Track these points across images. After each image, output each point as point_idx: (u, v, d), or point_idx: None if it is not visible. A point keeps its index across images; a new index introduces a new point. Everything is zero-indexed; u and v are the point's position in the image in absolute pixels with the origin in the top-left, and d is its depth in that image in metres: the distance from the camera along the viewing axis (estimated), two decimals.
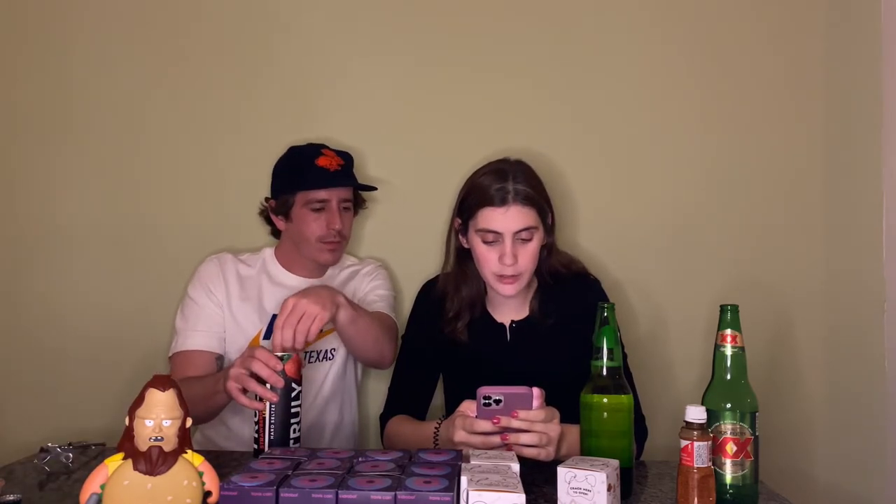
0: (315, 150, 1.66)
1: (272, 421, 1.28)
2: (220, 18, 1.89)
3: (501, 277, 1.44)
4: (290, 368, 1.29)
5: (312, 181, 1.62)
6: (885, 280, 1.62)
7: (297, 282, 1.69)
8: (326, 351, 1.67)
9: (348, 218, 1.69)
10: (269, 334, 1.62)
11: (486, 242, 1.43)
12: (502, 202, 1.40)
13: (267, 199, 1.72)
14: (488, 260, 1.44)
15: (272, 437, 1.28)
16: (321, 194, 1.62)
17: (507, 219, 1.40)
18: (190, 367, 1.58)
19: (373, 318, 1.53)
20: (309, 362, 1.63)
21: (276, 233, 1.75)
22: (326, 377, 1.66)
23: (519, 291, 1.47)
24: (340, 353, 1.68)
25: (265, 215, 1.74)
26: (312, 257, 1.67)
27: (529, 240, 1.43)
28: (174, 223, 1.88)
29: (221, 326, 1.64)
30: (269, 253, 1.74)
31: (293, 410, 1.29)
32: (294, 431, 1.30)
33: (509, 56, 1.86)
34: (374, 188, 1.77)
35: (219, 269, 1.68)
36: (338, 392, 1.69)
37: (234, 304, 1.65)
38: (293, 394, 1.30)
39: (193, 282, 1.68)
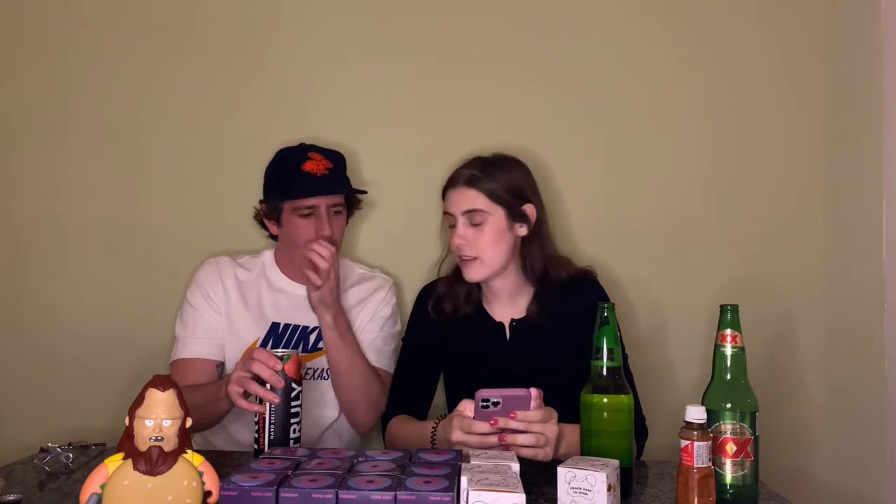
0: (302, 153, 1.60)
1: (272, 421, 1.28)
2: (216, 19, 1.88)
3: (461, 259, 1.50)
4: (290, 368, 1.29)
5: (298, 189, 1.57)
6: (885, 280, 1.61)
7: (297, 289, 1.66)
8: (324, 370, 1.63)
9: (339, 222, 1.63)
10: (265, 342, 1.61)
11: (450, 226, 1.51)
12: (453, 184, 1.50)
13: (260, 202, 1.69)
14: (451, 242, 1.51)
15: (272, 437, 1.28)
16: (309, 201, 1.58)
17: (453, 199, 1.50)
18: (190, 375, 1.56)
19: (366, 362, 1.57)
20: (306, 379, 1.61)
21: (273, 235, 1.71)
22: (324, 396, 1.63)
23: (480, 279, 1.51)
24: None
25: (259, 219, 1.71)
26: (305, 264, 1.60)
27: (480, 223, 1.47)
28: (174, 223, 1.87)
29: (221, 332, 1.62)
30: (268, 256, 1.71)
31: (293, 410, 1.29)
32: (294, 431, 1.29)
33: (509, 54, 1.86)
34: (364, 192, 1.71)
35: (217, 273, 1.65)
36: (340, 413, 1.66)
37: (232, 309, 1.63)
38: (293, 393, 1.29)
39: (192, 287, 1.65)
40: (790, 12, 1.84)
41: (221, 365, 1.61)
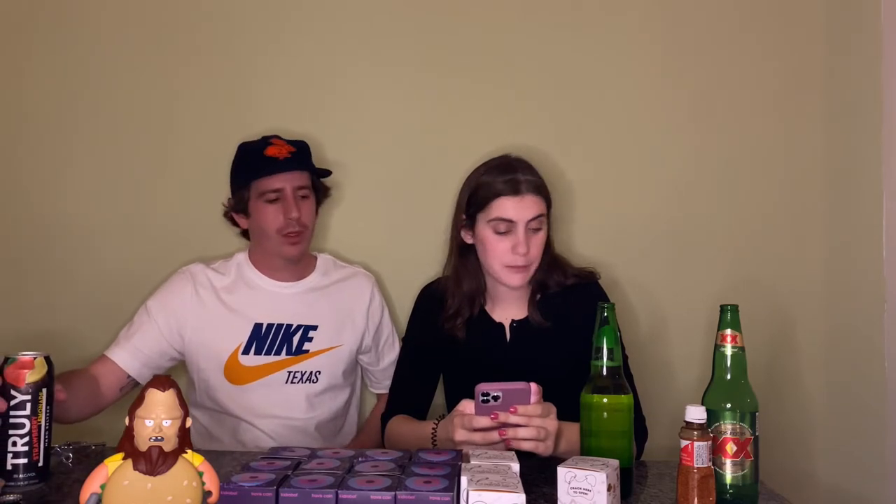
0: (264, 141, 1.60)
1: None
2: (215, 21, 1.88)
3: (511, 268, 1.44)
4: (10, 374, 1.13)
5: (262, 169, 1.57)
6: (885, 280, 1.61)
7: (275, 286, 1.64)
8: (313, 373, 1.62)
9: (307, 206, 1.61)
10: (249, 344, 1.59)
11: (498, 232, 1.44)
12: (517, 192, 1.42)
13: (228, 200, 1.67)
14: (499, 250, 1.44)
15: None
16: (274, 183, 1.56)
17: (522, 207, 1.42)
18: (99, 369, 1.53)
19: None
20: (292, 383, 1.60)
21: (245, 232, 1.69)
22: (310, 402, 1.62)
23: (521, 286, 1.48)
24: (326, 379, 1.63)
25: (229, 216, 1.68)
26: (276, 252, 1.61)
27: (539, 229, 1.45)
28: (176, 223, 1.87)
29: (157, 355, 1.58)
30: (242, 257, 1.68)
31: (11, 421, 1.13)
32: (14, 445, 1.13)
33: (507, 55, 1.85)
34: (328, 172, 1.69)
35: (191, 285, 1.62)
36: (327, 422, 1.65)
37: (211, 316, 1.60)
38: (13, 403, 1.13)
39: (158, 294, 1.62)
40: (790, 12, 1.84)
41: (135, 382, 1.56)
